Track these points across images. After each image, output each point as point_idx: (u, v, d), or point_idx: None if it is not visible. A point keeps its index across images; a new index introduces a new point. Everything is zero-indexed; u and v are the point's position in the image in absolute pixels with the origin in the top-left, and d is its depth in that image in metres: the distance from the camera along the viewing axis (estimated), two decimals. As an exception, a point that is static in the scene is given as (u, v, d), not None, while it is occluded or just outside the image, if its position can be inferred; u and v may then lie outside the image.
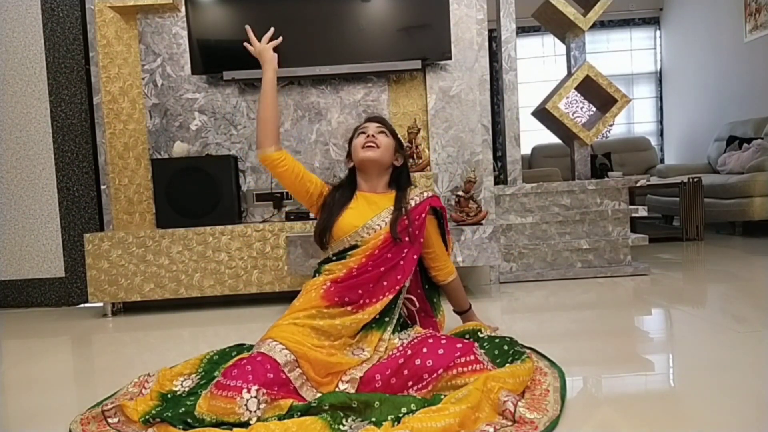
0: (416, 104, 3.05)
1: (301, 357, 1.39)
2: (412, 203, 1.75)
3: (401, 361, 1.43)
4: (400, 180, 1.81)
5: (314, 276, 1.69)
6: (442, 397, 1.29)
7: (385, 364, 1.44)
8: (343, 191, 1.78)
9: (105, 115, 2.98)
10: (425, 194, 1.79)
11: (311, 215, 2.83)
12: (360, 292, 1.59)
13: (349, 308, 1.56)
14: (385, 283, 1.62)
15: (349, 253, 1.66)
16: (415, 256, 1.68)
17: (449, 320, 1.91)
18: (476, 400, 1.23)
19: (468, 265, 2.72)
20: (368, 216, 1.69)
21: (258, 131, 1.73)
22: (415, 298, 1.76)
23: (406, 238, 1.67)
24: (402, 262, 1.66)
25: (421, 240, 1.72)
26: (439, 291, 1.91)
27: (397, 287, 1.63)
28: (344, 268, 1.63)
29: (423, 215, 1.73)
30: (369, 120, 1.84)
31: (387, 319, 1.60)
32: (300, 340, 1.43)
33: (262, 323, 1.58)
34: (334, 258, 1.68)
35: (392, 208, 1.72)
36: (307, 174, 1.77)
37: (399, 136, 1.85)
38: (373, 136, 1.75)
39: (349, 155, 1.83)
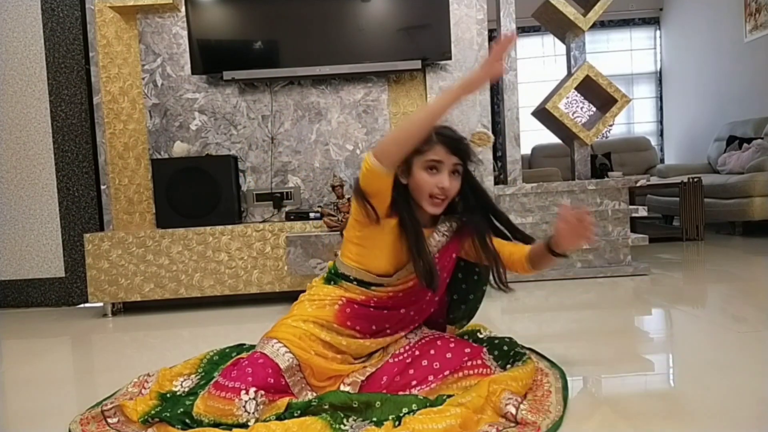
0: (416, 104, 3.05)
1: (304, 363, 1.36)
2: (441, 242, 1.49)
3: (408, 361, 1.42)
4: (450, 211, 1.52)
5: (329, 282, 1.52)
6: (445, 398, 1.29)
7: (392, 366, 1.43)
8: (417, 232, 1.43)
9: (105, 115, 2.98)
10: (454, 225, 1.52)
11: (311, 215, 2.83)
12: (373, 327, 1.47)
13: (358, 336, 1.47)
14: (402, 326, 1.51)
15: (373, 288, 1.48)
16: (436, 299, 1.54)
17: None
18: (478, 405, 1.23)
19: (468, 265, 2.72)
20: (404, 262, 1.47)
21: (396, 145, 1.32)
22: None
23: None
24: (424, 306, 1.53)
25: (447, 281, 1.54)
26: (468, 317, 1.67)
27: (412, 327, 1.53)
28: (363, 294, 1.48)
29: (454, 256, 1.52)
30: (441, 143, 1.40)
31: (390, 347, 1.52)
32: (305, 346, 1.38)
33: (262, 323, 1.57)
34: (354, 282, 1.49)
35: (437, 237, 1.49)
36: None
37: (475, 147, 1.52)
38: (444, 188, 1.41)
39: (406, 171, 1.44)
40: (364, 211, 1.40)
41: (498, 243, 1.52)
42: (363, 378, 1.41)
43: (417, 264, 1.39)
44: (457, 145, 1.42)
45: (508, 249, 1.51)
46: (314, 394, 1.36)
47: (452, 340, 1.48)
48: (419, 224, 1.44)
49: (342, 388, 1.40)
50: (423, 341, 1.48)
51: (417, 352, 1.43)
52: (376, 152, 1.31)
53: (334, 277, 1.52)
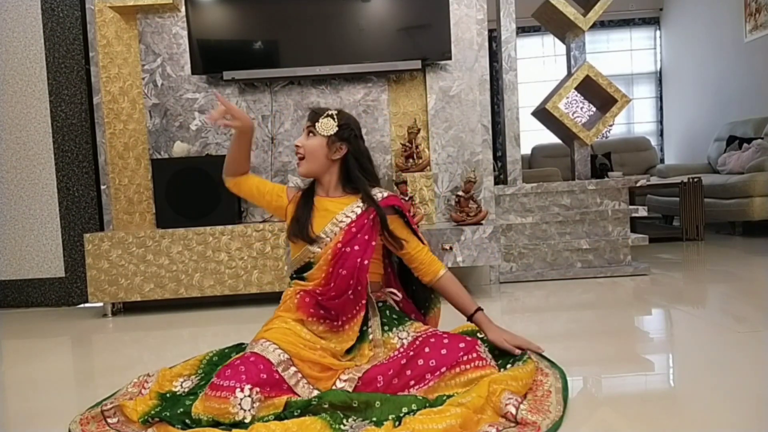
0: (416, 104, 3.05)
1: (295, 356, 1.40)
2: (358, 210, 1.59)
3: (404, 361, 1.42)
4: (350, 177, 1.64)
5: (289, 286, 1.64)
6: (445, 398, 1.29)
7: (387, 365, 1.43)
8: (306, 199, 1.64)
9: (105, 115, 2.98)
10: (379, 195, 1.63)
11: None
12: (333, 313, 1.53)
13: (329, 326, 1.52)
14: (351, 297, 1.53)
15: (305, 274, 1.58)
16: (366, 262, 1.54)
17: (449, 321, 1.90)
18: (478, 405, 1.23)
19: (468, 265, 2.72)
20: (319, 227, 1.58)
21: (226, 162, 1.67)
22: (396, 290, 1.70)
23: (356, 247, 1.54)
24: (359, 275, 1.54)
25: (373, 243, 1.57)
26: (433, 291, 1.74)
27: (363, 300, 1.54)
28: (309, 284, 1.58)
29: (366, 221, 1.58)
30: (307, 116, 1.67)
31: (367, 328, 1.56)
32: (293, 341, 1.43)
33: (262, 323, 1.57)
34: (294, 276, 1.63)
35: (340, 217, 1.58)
36: (265, 186, 1.68)
37: (342, 117, 1.62)
38: (298, 146, 1.62)
39: None
40: (267, 210, 1.72)
41: (415, 247, 1.65)
42: (359, 374, 1.41)
43: (292, 221, 1.62)
44: (313, 114, 1.65)
45: (419, 255, 1.65)
46: (312, 387, 1.37)
47: (445, 335, 1.48)
48: (309, 190, 1.67)
49: (338, 384, 1.40)
50: (417, 341, 1.47)
51: (412, 353, 1.43)
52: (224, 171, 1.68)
53: (289, 280, 1.67)
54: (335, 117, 1.61)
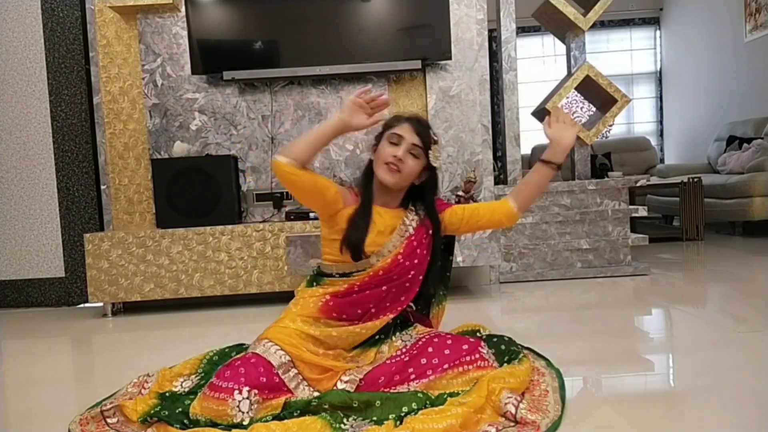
0: (416, 104, 3.05)
1: (297, 358, 1.38)
2: (414, 223, 1.60)
3: (406, 359, 1.43)
4: (422, 196, 1.63)
5: (311, 284, 1.59)
6: (446, 397, 1.30)
7: (390, 365, 1.43)
8: (365, 210, 1.56)
9: (105, 115, 2.98)
10: (421, 211, 1.63)
11: (311, 214, 2.83)
12: (359, 311, 1.52)
13: (346, 323, 1.51)
14: (387, 304, 1.54)
15: (354, 274, 1.55)
16: (420, 277, 1.58)
17: (449, 321, 1.91)
18: (479, 404, 1.24)
19: (468, 265, 2.72)
20: (381, 242, 1.56)
21: (299, 146, 1.47)
22: (413, 304, 1.69)
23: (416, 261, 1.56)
24: (408, 284, 1.56)
25: (427, 259, 1.60)
26: (445, 285, 1.76)
27: (400, 309, 1.55)
28: (345, 284, 1.54)
29: (425, 237, 1.60)
30: (409, 122, 1.57)
31: (382, 336, 1.55)
32: (296, 344, 1.41)
33: (262, 323, 1.57)
34: (337, 275, 1.57)
35: (401, 230, 1.57)
36: (324, 182, 1.55)
37: (435, 143, 1.58)
38: (400, 160, 1.52)
39: (374, 147, 1.61)
40: (316, 210, 1.59)
41: (475, 209, 1.66)
42: (361, 376, 1.41)
43: (348, 232, 1.52)
44: (420, 127, 1.57)
45: (487, 211, 1.65)
46: (312, 389, 1.37)
47: (449, 336, 1.48)
48: (371, 199, 1.57)
49: (339, 385, 1.40)
50: (420, 341, 1.48)
51: (415, 351, 1.44)
52: (282, 150, 1.48)
53: (317, 278, 1.60)
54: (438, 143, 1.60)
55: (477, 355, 1.40)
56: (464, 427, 1.18)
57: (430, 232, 1.61)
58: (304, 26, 2.90)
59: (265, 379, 1.30)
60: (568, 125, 1.62)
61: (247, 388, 1.26)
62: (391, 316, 1.54)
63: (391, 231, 1.58)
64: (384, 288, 1.53)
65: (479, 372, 1.36)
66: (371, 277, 1.53)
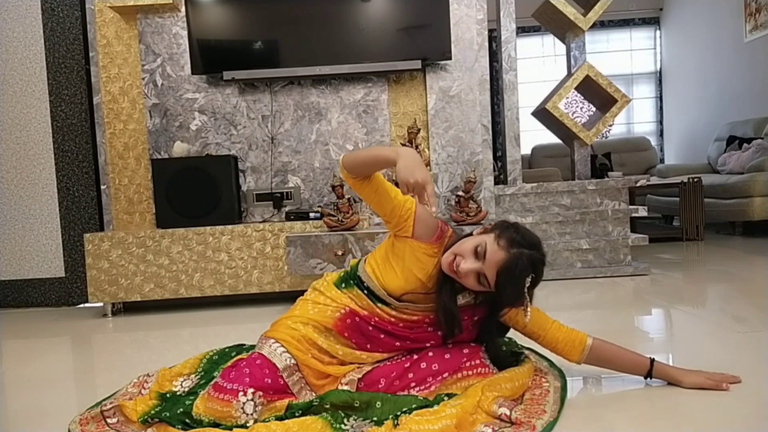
0: (416, 104, 3.05)
1: (302, 362, 1.36)
2: (462, 301, 1.44)
3: (407, 365, 1.41)
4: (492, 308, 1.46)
5: (341, 284, 1.49)
6: (443, 397, 1.30)
7: (390, 367, 1.42)
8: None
9: (105, 115, 2.98)
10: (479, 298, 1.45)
11: (311, 215, 2.83)
12: (368, 346, 1.45)
13: (353, 347, 1.45)
14: (397, 343, 1.45)
15: (379, 305, 1.44)
16: (431, 354, 1.43)
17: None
18: (472, 407, 1.24)
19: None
20: (423, 290, 1.44)
21: (356, 161, 1.41)
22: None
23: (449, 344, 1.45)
24: (428, 346, 1.45)
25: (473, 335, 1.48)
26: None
27: (424, 347, 1.46)
28: (367, 309, 1.44)
29: (476, 319, 1.46)
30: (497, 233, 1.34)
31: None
32: (302, 348, 1.38)
33: (262, 323, 1.57)
34: (365, 291, 1.45)
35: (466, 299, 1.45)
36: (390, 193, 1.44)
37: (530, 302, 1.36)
38: (460, 274, 1.34)
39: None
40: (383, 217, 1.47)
41: (542, 330, 1.47)
42: (360, 376, 1.40)
43: (439, 304, 1.39)
44: (528, 264, 1.29)
45: (552, 339, 1.46)
46: (314, 394, 1.36)
47: (450, 342, 1.47)
48: (453, 281, 1.40)
49: (340, 387, 1.40)
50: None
51: (415, 356, 1.43)
52: (346, 155, 1.42)
53: (351, 278, 1.49)
54: None
55: (477, 361, 1.39)
56: (459, 427, 1.18)
57: (476, 318, 1.46)
58: (304, 26, 2.90)
59: (270, 381, 1.29)
60: (712, 385, 1.38)
61: (252, 390, 1.25)
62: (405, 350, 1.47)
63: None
64: (398, 344, 1.45)
65: (479, 379, 1.35)
66: (391, 324, 1.44)
